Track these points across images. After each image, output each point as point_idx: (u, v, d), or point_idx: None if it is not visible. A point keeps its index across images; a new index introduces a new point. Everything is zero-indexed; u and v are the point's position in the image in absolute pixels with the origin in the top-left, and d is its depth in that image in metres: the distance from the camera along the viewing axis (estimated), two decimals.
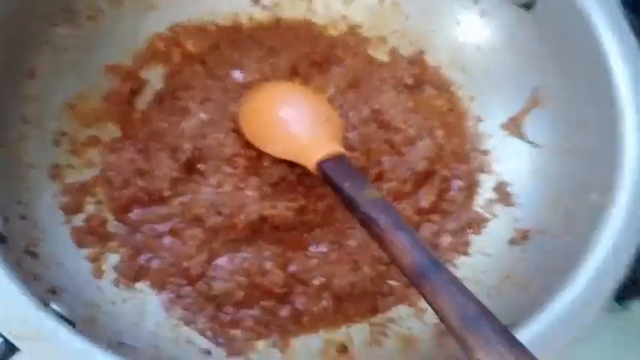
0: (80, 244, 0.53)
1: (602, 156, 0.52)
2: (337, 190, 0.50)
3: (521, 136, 0.61)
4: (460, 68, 0.66)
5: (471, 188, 0.61)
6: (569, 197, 0.54)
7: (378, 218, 0.45)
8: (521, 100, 0.61)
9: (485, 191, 0.61)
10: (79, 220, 0.55)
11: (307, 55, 0.66)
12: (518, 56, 0.62)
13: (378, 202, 0.47)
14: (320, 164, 0.51)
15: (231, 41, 0.67)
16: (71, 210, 0.54)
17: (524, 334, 0.43)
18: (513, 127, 0.62)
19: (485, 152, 0.63)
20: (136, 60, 0.63)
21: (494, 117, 0.63)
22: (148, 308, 0.52)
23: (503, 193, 0.60)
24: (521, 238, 0.56)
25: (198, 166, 0.57)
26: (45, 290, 0.45)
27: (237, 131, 0.59)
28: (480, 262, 0.57)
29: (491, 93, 0.64)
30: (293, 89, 0.63)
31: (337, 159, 0.52)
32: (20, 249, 0.46)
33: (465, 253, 0.58)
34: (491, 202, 0.60)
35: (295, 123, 0.57)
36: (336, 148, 0.53)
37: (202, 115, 0.60)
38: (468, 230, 0.59)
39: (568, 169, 0.56)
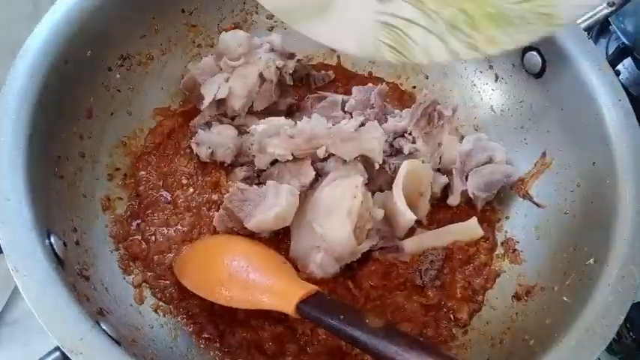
0: (126, 271, 0.58)
1: (596, 223, 0.55)
2: (331, 327, 0.46)
3: (528, 196, 0.64)
4: (474, 126, 0.71)
5: (493, 248, 0.63)
6: (567, 258, 0.56)
7: (392, 346, 0.42)
8: (529, 162, 0.65)
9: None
10: (125, 248, 0.59)
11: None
12: (527, 119, 0.67)
13: (386, 328, 0.44)
14: (300, 306, 0.48)
15: None
16: (119, 239, 0.59)
17: None
18: (521, 187, 0.65)
19: (496, 210, 0.66)
20: (182, 102, 0.70)
21: None
22: (180, 333, 0.56)
23: (511, 250, 0.63)
24: (524, 293, 0.58)
25: None
26: (94, 311, 0.49)
27: None
28: (486, 313, 0.60)
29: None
30: (232, 239, 0.57)
31: (316, 297, 0.49)
32: (75, 272, 0.51)
33: (479, 310, 0.60)
34: (498, 257, 0.63)
35: (256, 270, 0.51)
36: (309, 286, 0.50)
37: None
38: (486, 287, 0.61)
39: (566, 231, 0.59)
